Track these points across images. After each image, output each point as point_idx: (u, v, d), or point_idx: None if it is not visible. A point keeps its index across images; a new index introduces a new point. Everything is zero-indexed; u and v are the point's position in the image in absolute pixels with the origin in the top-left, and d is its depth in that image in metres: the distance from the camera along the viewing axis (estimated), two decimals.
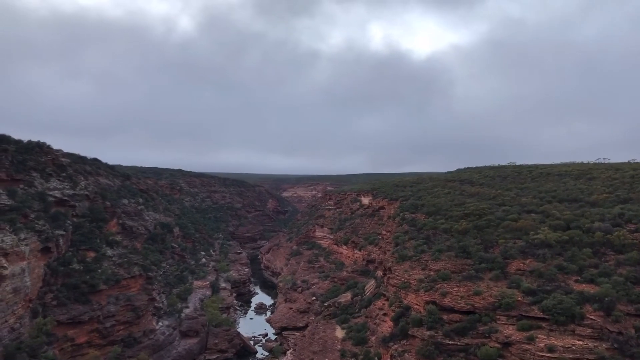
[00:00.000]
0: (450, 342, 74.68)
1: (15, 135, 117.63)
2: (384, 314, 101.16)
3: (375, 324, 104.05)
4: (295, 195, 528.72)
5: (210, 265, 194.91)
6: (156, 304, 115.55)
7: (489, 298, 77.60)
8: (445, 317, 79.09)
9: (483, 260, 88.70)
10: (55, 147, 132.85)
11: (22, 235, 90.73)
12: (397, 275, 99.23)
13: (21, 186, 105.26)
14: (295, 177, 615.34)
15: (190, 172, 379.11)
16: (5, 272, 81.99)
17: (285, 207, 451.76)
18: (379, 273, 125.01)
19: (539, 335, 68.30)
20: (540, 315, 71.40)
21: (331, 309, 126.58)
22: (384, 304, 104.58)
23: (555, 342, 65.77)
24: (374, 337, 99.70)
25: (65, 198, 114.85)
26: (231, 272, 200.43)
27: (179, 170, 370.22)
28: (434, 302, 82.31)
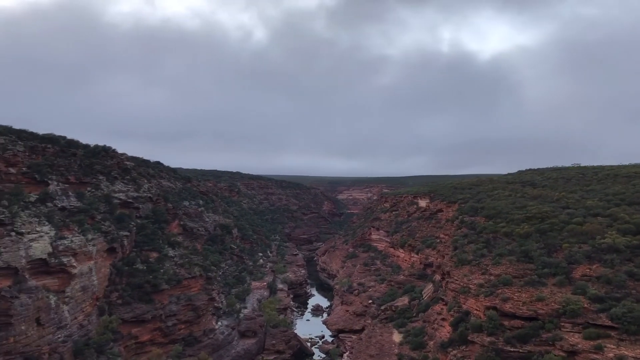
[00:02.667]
0: (511, 349, 72.39)
1: (96, 141, 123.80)
2: (443, 319, 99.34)
3: (433, 328, 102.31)
4: (350, 197, 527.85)
5: (268, 266, 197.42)
6: (216, 304, 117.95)
7: (553, 304, 74.74)
8: (506, 323, 76.77)
9: (546, 265, 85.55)
10: (129, 152, 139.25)
11: (90, 236, 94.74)
12: (456, 280, 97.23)
13: (89, 189, 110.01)
14: (351, 180, 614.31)
15: (248, 174, 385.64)
16: (75, 271, 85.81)
17: (340, 210, 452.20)
18: (437, 277, 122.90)
19: (608, 345, 65.11)
20: (609, 323, 68.01)
21: (388, 312, 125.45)
22: (442, 309, 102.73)
23: (626, 353, 62.51)
24: (432, 342, 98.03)
25: (130, 200, 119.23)
26: (288, 274, 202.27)
27: (237, 173, 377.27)
28: (494, 308, 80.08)
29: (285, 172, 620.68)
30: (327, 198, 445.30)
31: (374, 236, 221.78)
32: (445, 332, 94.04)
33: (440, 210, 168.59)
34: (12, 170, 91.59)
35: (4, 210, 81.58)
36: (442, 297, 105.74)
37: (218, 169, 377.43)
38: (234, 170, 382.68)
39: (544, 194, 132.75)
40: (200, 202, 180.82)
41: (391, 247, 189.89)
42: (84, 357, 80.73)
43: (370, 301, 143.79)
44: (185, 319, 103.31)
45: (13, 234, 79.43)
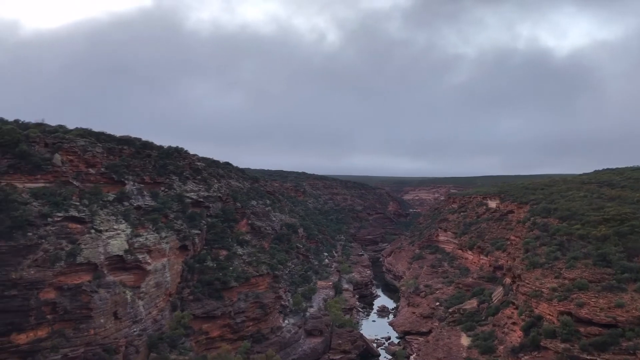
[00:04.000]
0: (588, 357, 69.20)
1: (169, 143, 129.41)
2: (513, 323, 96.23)
3: (503, 333, 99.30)
4: (416, 197, 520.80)
5: (333, 266, 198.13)
6: (282, 302, 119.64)
7: (634, 311, 70.77)
8: (582, 329, 73.42)
9: (626, 269, 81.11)
10: (200, 153, 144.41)
11: (163, 234, 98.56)
12: (528, 283, 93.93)
13: (162, 188, 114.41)
14: (417, 180, 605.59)
15: (314, 174, 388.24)
16: (149, 267, 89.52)
17: (406, 210, 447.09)
18: (507, 280, 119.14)
19: None
20: None
21: (456, 315, 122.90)
22: (512, 313, 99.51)
23: None
24: (502, 347, 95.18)
25: (201, 199, 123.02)
26: (353, 274, 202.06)
27: (303, 173, 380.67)
28: (569, 313, 76.76)
29: (351, 172, 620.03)
30: (392, 198, 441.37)
31: (441, 237, 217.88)
32: (515, 336, 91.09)
33: (511, 212, 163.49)
34: (91, 170, 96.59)
35: (85, 208, 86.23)
36: (513, 300, 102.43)
37: (284, 169, 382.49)
38: (300, 171, 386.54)
39: (624, 194, 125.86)
40: (267, 201, 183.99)
41: (459, 249, 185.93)
42: (158, 350, 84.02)
43: (437, 303, 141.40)
44: (253, 316, 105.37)
45: (93, 231, 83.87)
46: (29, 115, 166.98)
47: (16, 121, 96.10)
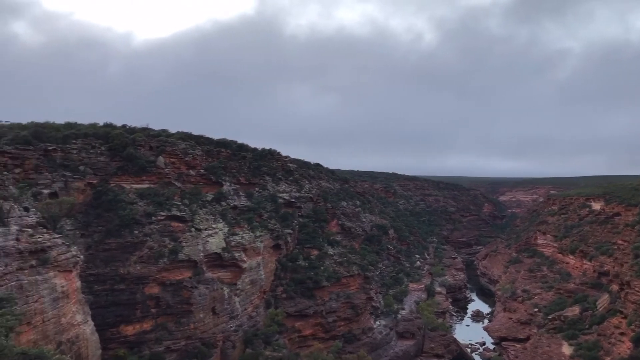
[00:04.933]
0: None
1: (264, 145, 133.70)
2: (621, 334, 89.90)
3: (610, 343, 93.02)
4: (513, 199, 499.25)
5: (425, 268, 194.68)
6: (373, 304, 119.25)
7: None
8: None
9: None
10: (292, 155, 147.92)
11: (258, 233, 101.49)
12: (638, 291, 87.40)
13: (256, 189, 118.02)
14: (514, 180, 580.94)
15: (404, 175, 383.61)
16: (245, 265, 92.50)
17: (502, 212, 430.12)
18: (614, 287, 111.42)
19: None
20: None
21: (556, 322, 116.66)
22: (620, 322, 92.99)
23: None
24: (608, 358, 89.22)
25: (293, 200, 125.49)
26: (446, 277, 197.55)
27: (393, 174, 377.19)
28: None
29: (443, 173, 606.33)
30: (487, 200, 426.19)
31: (540, 241, 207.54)
32: (624, 348, 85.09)
33: (618, 214, 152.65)
34: (192, 172, 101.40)
35: (185, 208, 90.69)
36: (621, 309, 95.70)
37: (374, 170, 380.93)
38: (390, 171, 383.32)
39: None
40: (357, 202, 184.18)
41: (559, 253, 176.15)
42: (253, 346, 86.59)
43: (535, 309, 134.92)
44: (344, 316, 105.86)
45: (193, 229, 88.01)
46: (135, 120, 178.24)
47: (124, 126, 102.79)
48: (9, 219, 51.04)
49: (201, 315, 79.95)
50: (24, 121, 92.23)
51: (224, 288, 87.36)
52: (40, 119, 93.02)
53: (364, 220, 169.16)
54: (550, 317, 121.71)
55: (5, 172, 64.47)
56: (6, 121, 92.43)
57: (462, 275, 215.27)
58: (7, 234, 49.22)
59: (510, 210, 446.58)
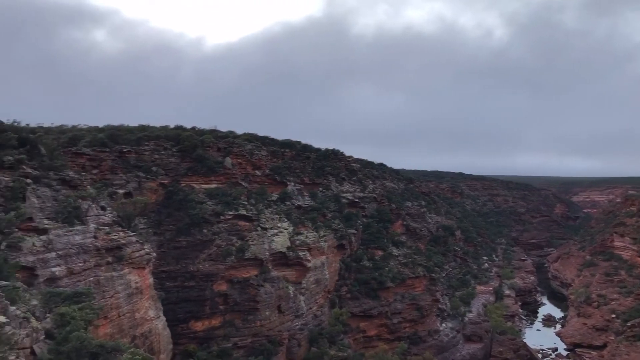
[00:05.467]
0: None
1: (327, 145, 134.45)
2: None
3: None
4: (587, 199, 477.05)
5: (493, 270, 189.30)
6: (440, 306, 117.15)
7: None
8: None
9: None
10: (355, 155, 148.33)
11: (322, 233, 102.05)
12: None
13: (320, 189, 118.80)
14: (588, 180, 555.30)
15: (471, 175, 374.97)
16: (309, 264, 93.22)
17: (575, 213, 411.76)
18: None
19: None
20: None
21: (636, 329, 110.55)
22: None
23: None
24: None
25: (356, 200, 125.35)
26: (515, 280, 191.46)
27: (460, 174, 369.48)
28: None
29: (512, 172, 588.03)
30: (559, 200, 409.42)
31: (617, 243, 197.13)
32: None
33: None
34: (257, 172, 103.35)
35: (252, 207, 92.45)
36: None
37: (440, 170, 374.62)
38: (457, 171, 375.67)
39: None
40: (423, 202, 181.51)
41: (639, 257, 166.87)
42: (318, 345, 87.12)
43: (613, 315, 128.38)
44: (409, 317, 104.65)
45: (259, 228, 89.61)
46: (204, 122, 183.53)
47: (193, 128, 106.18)
48: (87, 218, 53.69)
49: (267, 313, 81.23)
50: (101, 124, 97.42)
51: (289, 287, 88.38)
52: (116, 121, 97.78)
53: (430, 220, 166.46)
54: (629, 324, 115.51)
55: (83, 173, 67.87)
56: (84, 124, 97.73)
57: (532, 278, 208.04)
58: (85, 231, 51.78)
59: (584, 211, 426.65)
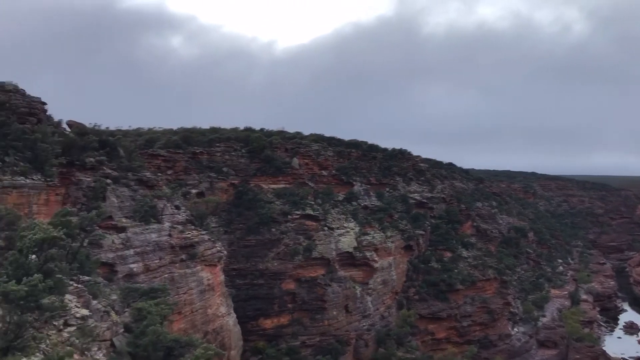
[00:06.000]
0: None
1: (394, 145, 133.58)
2: None
3: None
4: None
5: (568, 274, 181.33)
6: (511, 309, 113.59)
7: None
8: None
9: None
10: (422, 154, 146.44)
11: (389, 233, 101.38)
12: None
13: (387, 189, 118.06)
14: None
15: (544, 175, 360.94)
16: (376, 265, 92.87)
17: None
18: None
19: None
20: None
21: None
22: None
23: None
24: None
25: (424, 200, 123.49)
26: (593, 284, 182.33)
27: (533, 174, 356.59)
28: None
29: (588, 172, 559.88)
30: None
31: None
32: None
33: None
34: (324, 172, 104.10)
35: (318, 207, 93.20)
36: None
37: (511, 170, 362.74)
38: (529, 171, 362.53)
39: None
40: (493, 203, 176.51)
41: None
42: (386, 346, 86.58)
43: None
44: (480, 320, 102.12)
45: (326, 228, 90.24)
46: (272, 124, 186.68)
47: (262, 130, 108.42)
48: (162, 216, 55.91)
49: (334, 313, 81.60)
50: (174, 127, 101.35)
51: (356, 287, 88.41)
52: (189, 124, 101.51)
53: (501, 222, 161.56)
54: None
55: (159, 174, 70.80)
56: (159, 127, 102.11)
57: (611, 282, 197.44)
58: (161, 230, 53.96)
59: None
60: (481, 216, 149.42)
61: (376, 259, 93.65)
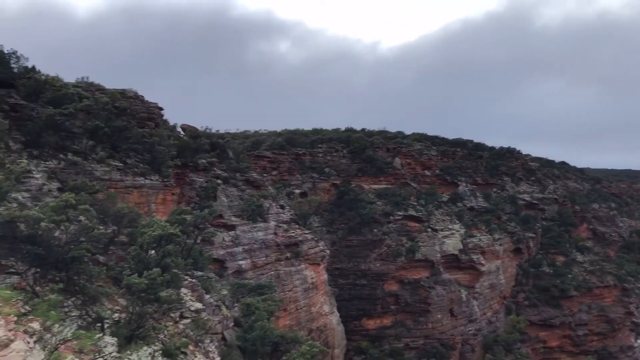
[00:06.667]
0: None
1: (506, 143, 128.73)
2: None
3: None
4: None
5: None
6: (634, 319, 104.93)
7: None
8: None
9: None
10: (533, 153, 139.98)
11: (496, 236, 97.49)
12: None
13: (494, 189, 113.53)
14: None
15: None
16: (483, 268, 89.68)
17: None
18: None
19: None
20: None
21: None
22: None
23: None
24: None
25: (535, 201, 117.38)
26: None
27: None
28: None
29: None
30: None
31: None
32: None
33: None
34: (427, 172, 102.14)
35: (421, 208, 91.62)
36: None
37: (632, 169, 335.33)
38: None
39: None
40: (612, 204, 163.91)
41: None
42: (493, 352, 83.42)
43: None
44: (597, 330, 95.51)
45: (429, 230, 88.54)
46: (373, 124, 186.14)
47: (363, 130, 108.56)
48: (268, 215, 57.66)
49: (439, 316, 79.90)
50: (279, 129, 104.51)
51: (462, 290, 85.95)
52: (292, 126, 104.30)
53: (621, 225, 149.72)
54: None
55: (264, 174, 73.21)
56: (264, 129, 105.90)
57: None
58: (267, 228, 55.67)
59: None
60: (598, 218, 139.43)
61: (483, 262, 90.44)
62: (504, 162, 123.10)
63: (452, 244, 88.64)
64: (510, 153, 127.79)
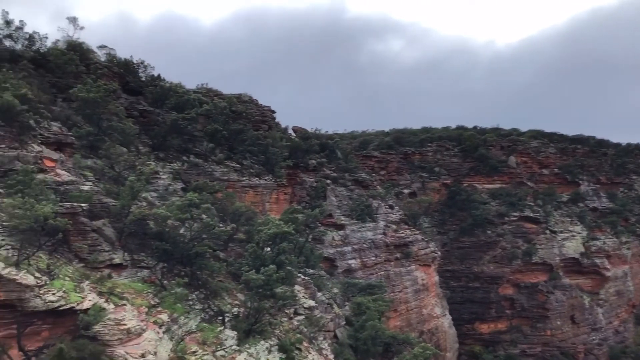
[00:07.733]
0: None
1: (634, 140, 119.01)
2: None
3: None
4: None
5: None
6: None
7: None
8: None
9: None
10: None
11: (624, 239, 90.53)
12: None
13: (621, 189, 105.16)
14: None
15: None
16: (608, 273, 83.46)
17: None
18: None
19: None
20: None
21: None
22: None
23: None
24: None
25: None
26: None
27: None
28: None
29: None
30: None
31: None
32: None
33: None
34: (544, 171, 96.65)
35: (539, 209, 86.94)
36: None
37: None
38: None
39: None
40: None
41: None
42: None
43: None
44: None
45: (547, 232, 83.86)
46: (486, 122, 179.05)
47: (475, 127, 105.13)
48: (377, 215, 57.63)
49: (558, 323, 75.46)
50: (387, 128, 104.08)
51: (584, 296, 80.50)
52: (400, 125, 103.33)
53: None
54: None
55: (373, 174, 73.20)
56: (372, 129, 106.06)
57: None
58: (376, 228, 55.67)
59: None
60: None
61: (608, 266, 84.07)
62: (633, 159, 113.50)
63: (573, 247, 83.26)
64: (639, 150, 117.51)
